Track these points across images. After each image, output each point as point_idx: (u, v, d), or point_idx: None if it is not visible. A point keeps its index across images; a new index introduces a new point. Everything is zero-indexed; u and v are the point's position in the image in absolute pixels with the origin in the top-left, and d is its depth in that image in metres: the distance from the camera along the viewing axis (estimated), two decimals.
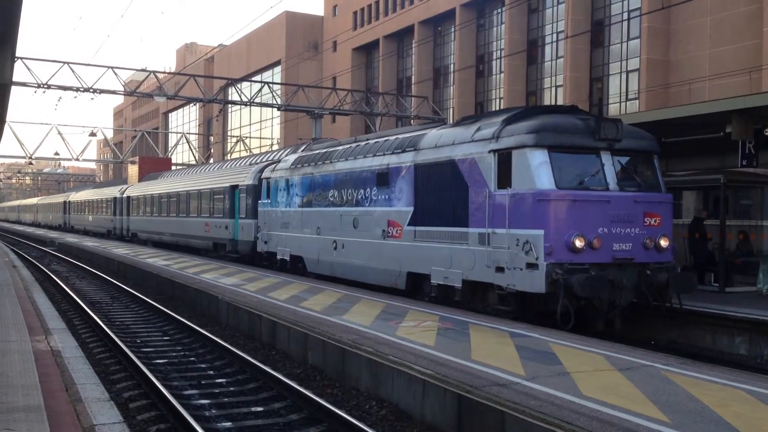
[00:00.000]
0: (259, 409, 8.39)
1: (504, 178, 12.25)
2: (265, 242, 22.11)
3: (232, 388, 9.39)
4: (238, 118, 76.51)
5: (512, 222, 11.91)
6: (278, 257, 21.10)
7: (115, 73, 35.30)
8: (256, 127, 72.46)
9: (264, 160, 27.25)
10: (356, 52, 58.74)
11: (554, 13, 42.20)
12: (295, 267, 20.22)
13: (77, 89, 34.19)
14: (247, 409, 8.35)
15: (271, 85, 41.00)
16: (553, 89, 41.85)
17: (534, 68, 43.86)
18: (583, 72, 39.20)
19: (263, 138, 68.00)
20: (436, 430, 7.38)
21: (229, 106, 56.70)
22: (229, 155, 64.85)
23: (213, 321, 14.67)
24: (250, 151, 57.56)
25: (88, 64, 36.62)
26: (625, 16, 37.65)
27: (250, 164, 27.78)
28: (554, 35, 42.09)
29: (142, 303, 17.22)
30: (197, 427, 7.12)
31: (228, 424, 7.80)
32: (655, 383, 7.46)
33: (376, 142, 17.05)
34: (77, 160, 55.93)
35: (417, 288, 14.91)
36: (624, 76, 37.59)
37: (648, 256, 12.01)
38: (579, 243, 11.40)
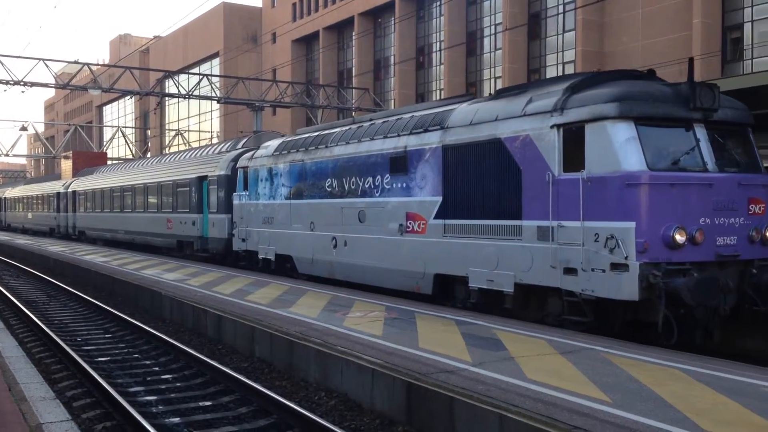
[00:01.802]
0: (208, 403, 8.33)
1: (573, 159, 10.09)
2: (243, 240, 19.75)
3: (178, 384, 9.29)
4: (176, 111, 75.09)
5: (588, 212, 9.78)
6: (260, 257, 18.77)
7: (47, 66, 34.24)
8: (195, 120, 71.30)
9: (226, 149, 25.24)
10: (296, 44, 58.32)
11: (492, 5, 42.73)
12: (282, 268, 17.96)
13: (7, 82, 33.05)
14: (195, 404, 8.29)
15: (210, 77, 40.41)
16: (492, 81, 42.41)
17: (473, 60, 44.36)
18: (521, 64, 39.83)
19: (202, 131, 66.99)
20: (385, 418, 7.48)
21: (167, 99, 55.66)
22: (167, 149, 63.65)
23: (156, 317, 14.45)
24: (189, 145, 56.67)
25: (19, 56, 35.48)
26: (561, 9, 38.41)
27: (219, 152, 25.28)
28: (492, 27, 42.63)
29: (80, 301, 16.82)
30: (144, 423, 7.04)
31: (176, 419, 7.73)
32: (596, 365, 7.71)
33: (385, 122, 14.69)
34: (7, 155, 54.07)
35: (447, 292, 12.80)
36: (561, 67, 38.33)
37: (753, 251, 10.04)
38: (680, 237, 9.36)
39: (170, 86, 50.17)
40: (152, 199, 28.20)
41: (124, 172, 34.44)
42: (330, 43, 54.99)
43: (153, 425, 7.15)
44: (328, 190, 15.87)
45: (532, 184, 10.69)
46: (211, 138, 63.90)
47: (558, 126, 10.35)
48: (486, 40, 43.41)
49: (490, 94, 12.98)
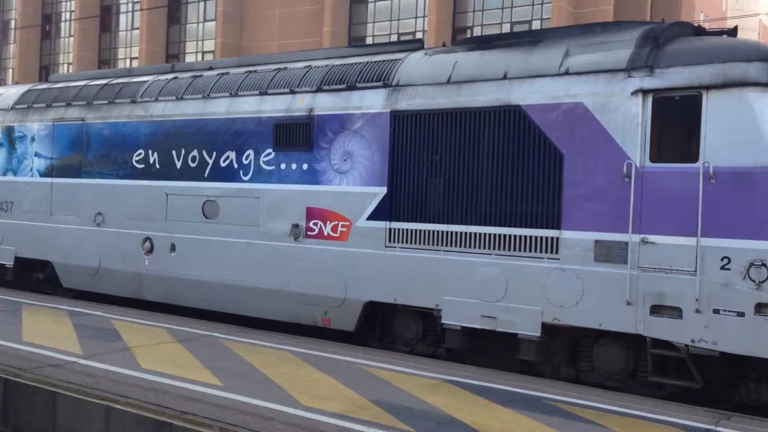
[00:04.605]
0: None
1: (674, 142, 7.34)
2: None
3: None
4: None
5: (712, 224, 6.96)
6: None
7: None
8: None
9: None
10: None
11: None
12: (27, 278, 12.87)
13: None
14: None
15: None
16: (128, 60, 40.62)
17: (108, 36, 41.96)
18: (159, 47, 38.82)
19: None
20: None
21: None
22: None
23: None
24: None
25: None
26: None
27: None
28: (130, 5, 40.83)
29: None
30: None
31: None
32: (213, 351, 7.89)
33: (251, 72, 10.52)
34: None
35: (382, 329, 9.28)
36: (200, 56, 38.24)
37: None
38: None
39: None
40: None
41: None
42: None
43: None
44: (140, 167, 11.23)
45: (587, 176, 7.68)
46: None
47: (646, 92, 7.42)
48: (123, 17, 41.39)
49: (444, 44, 9.92)
